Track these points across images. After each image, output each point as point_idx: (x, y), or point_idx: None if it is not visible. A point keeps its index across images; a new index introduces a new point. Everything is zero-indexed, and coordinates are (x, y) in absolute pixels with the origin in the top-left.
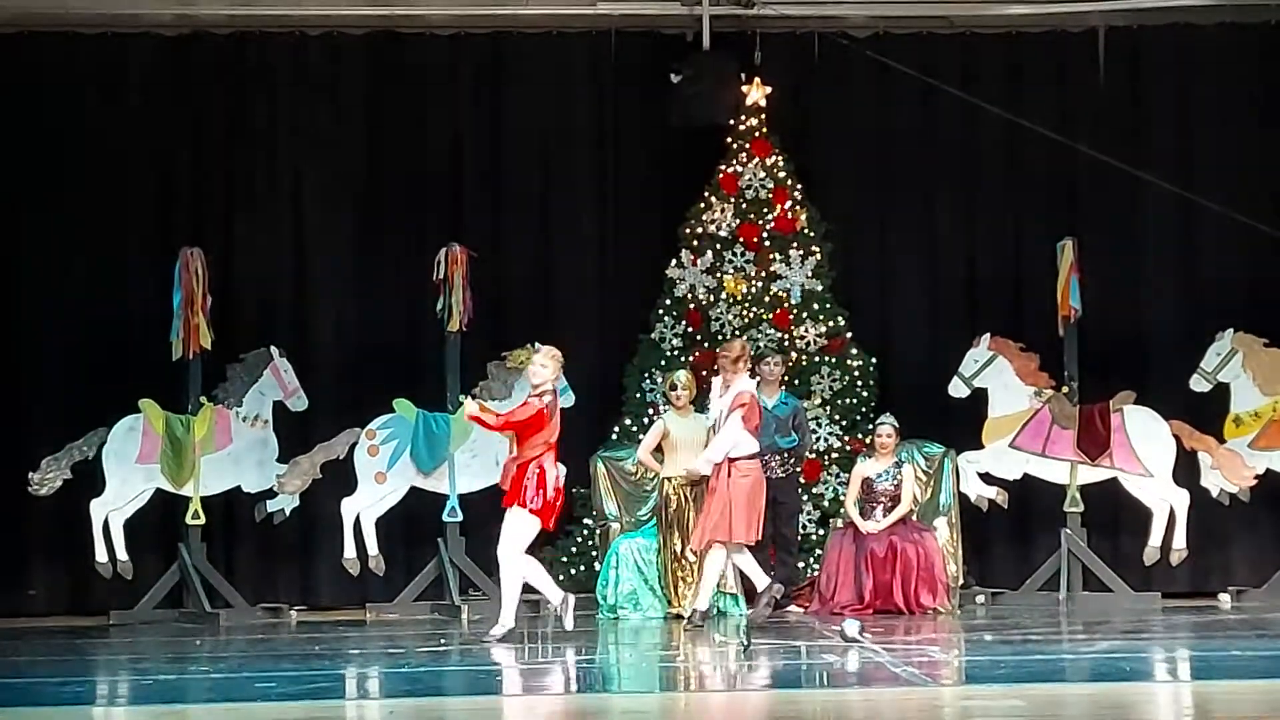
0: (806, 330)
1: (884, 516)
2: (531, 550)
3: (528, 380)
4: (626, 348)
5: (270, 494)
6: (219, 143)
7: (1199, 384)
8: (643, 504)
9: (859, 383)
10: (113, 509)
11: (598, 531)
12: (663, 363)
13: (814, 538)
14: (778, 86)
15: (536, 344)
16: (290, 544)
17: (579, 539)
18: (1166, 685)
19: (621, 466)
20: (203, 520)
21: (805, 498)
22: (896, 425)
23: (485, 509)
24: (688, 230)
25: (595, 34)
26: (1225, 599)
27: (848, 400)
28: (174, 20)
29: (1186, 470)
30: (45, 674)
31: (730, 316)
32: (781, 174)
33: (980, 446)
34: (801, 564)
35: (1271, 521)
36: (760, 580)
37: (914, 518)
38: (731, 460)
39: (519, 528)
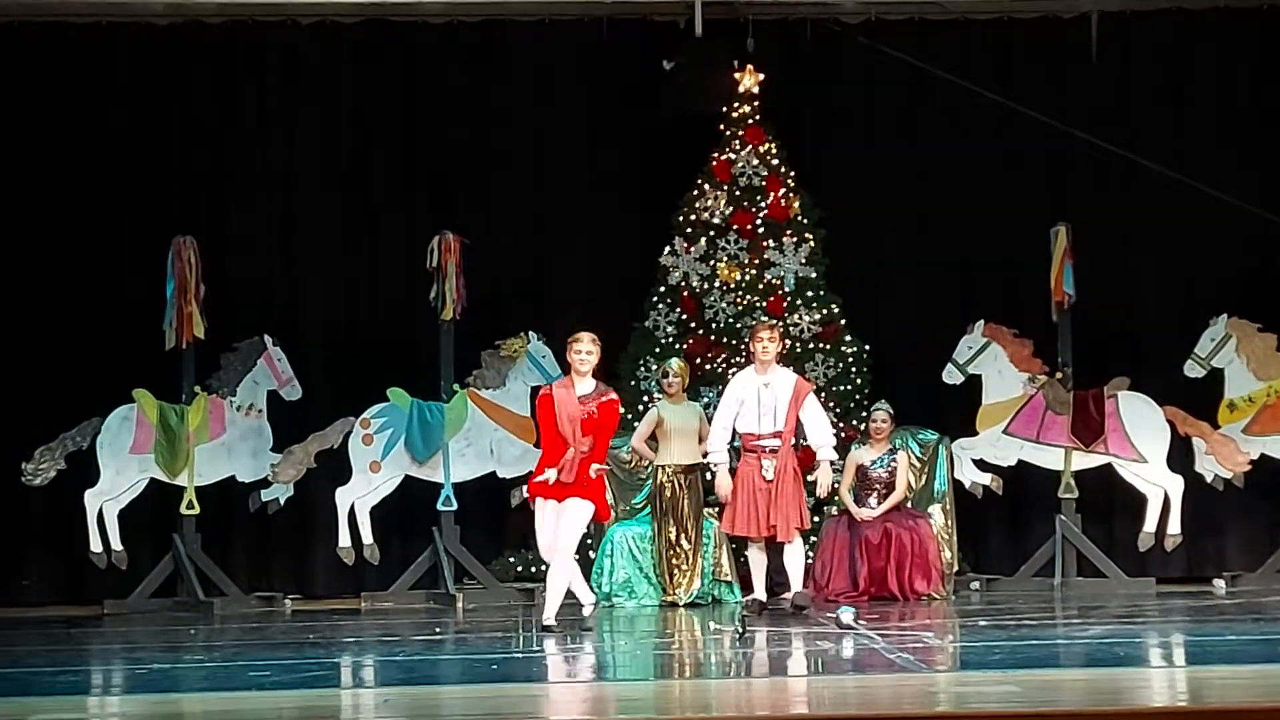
0: (800, 318)
1: (878, 503)
2: (520, 541)
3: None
4: (620, 336)
5: (265, 483)
6: (211, 132)
7: (1193, 369)
8: (637, 492)
9: (853, 370)
10: (107, 499)
11: (592, 520)
12: (656, 351)
13: (809, 525)
14: (770, 74)
15: (530, 332)
16: (285, 533)
17: None
18: (1161, 670)
19: (615, 455)
20: (197, 510)
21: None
22: (891, 412)
23: (480, 498)
24: (681, 218)
25: (587, 21)
26: (1219, 584)
27: (841, 387)
28: (166, 9)
29: (1181, 456)
30: (40, 663)
31: (724, 304)
32: (774, 161)
33: (974, 433)
34: None
35: (1265, 507)
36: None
37: (908, 504)
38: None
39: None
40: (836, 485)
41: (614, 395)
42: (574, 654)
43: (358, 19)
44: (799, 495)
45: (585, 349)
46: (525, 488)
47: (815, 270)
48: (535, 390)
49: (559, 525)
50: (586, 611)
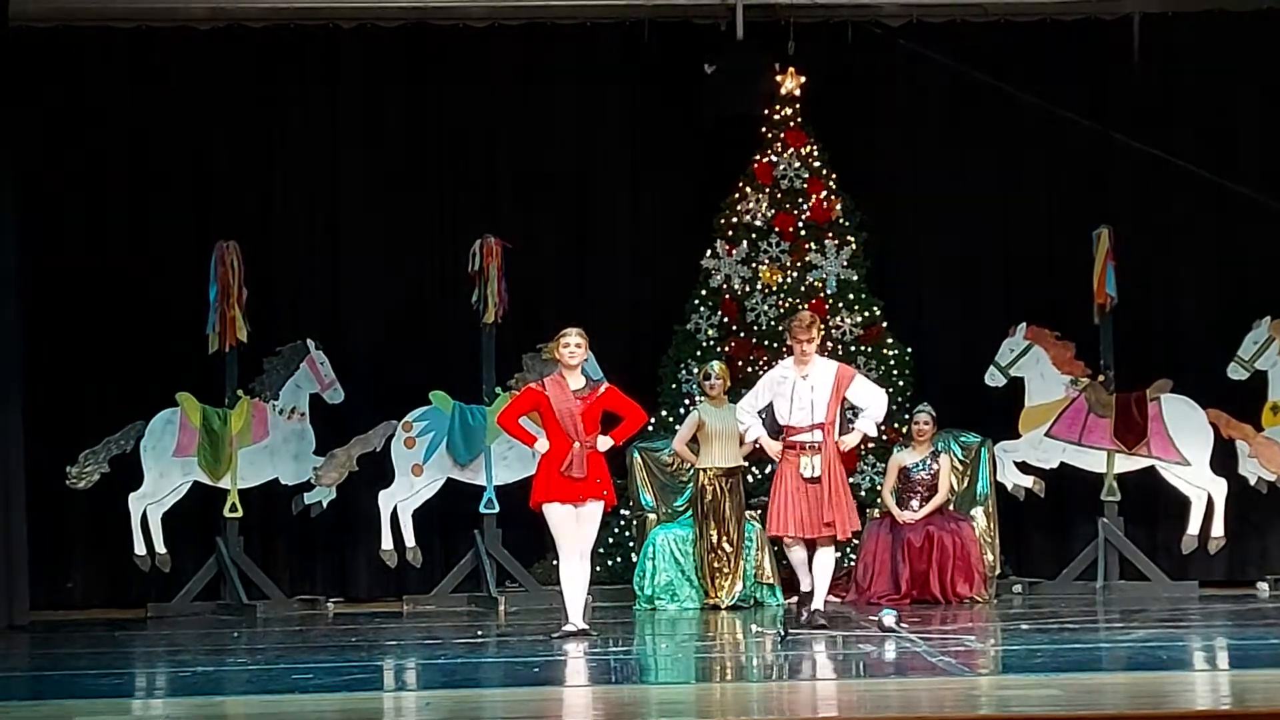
0: (842, 320)
1: (921, 506)
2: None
3: (566, 365)
4: (662, 339)
5: (307, 486)
6: (254, 136)
7: (1236, 372)
8: (678, 495)
9: (895, 372)
10: (151, 502)
11: (634, 522)
12: (698, 353)
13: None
14: (811, 76)
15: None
16: (327, 536)
17: (615, 530)
18: (1204, 674)
19: (657, 457)
20: (240, 513)
21: None
22: (933, 414)
23: (521, 501)
24: (723, 220)
25: (629, 24)
26: (1263, 587)
27: (884, 390)
28: (208, 14)
29: (1224, 458)
30: (83, 666)
31: (766, 307)
32: (816, 164)
33: (1017, 436)
34: (838, 554)
35: None
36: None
37: (951, 507)
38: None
39: None
40: (854, 448)
41: (608, 384)
42: (617, 657)
43: (399, 22)
44: (850, 497)
45: (574, 342)
46: (532, 498)
47: (857, 272)
48: None
49: (582, 529)
50: (569, 629)
